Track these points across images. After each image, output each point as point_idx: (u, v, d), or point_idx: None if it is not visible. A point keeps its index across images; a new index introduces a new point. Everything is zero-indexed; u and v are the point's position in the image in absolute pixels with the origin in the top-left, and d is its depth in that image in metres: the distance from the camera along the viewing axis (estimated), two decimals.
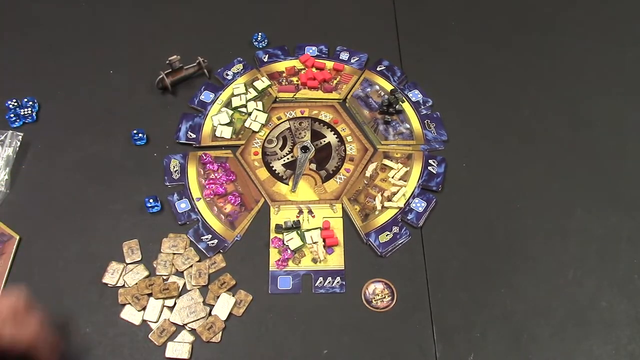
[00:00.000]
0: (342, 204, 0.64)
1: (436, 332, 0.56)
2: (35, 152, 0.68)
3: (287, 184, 0.66)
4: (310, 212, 0.64)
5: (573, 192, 0.65)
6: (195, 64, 0.73)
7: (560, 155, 0.68)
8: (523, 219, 0.63)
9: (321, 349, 0.56)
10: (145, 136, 0.63)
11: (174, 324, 0.57)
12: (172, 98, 0.72)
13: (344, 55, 0.76)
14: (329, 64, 0.75)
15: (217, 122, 0.70)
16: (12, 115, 0.70)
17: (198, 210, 0.63)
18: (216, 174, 0.66)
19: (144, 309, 0.57)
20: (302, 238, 0.62)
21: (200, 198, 0.64)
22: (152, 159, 0.67)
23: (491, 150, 0.68)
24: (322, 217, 0.63)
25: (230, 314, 0.57)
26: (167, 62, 0.70)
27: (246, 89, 0.73)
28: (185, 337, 0.56)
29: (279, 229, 0.62)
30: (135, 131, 0.63)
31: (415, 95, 0.72)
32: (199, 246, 0.61)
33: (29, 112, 0.70)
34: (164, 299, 0.58)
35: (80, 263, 0.60)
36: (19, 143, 0.67)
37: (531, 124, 0.70)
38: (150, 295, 0.58)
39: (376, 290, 0.59)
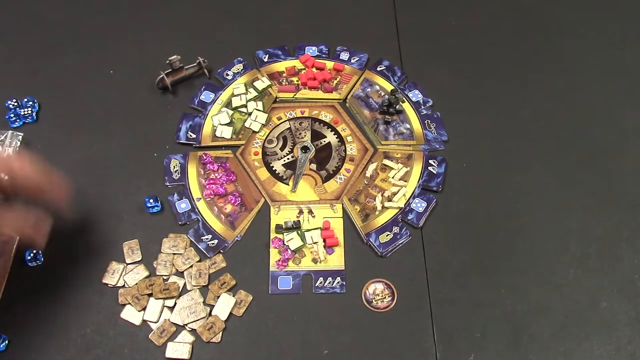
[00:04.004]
0: (343, 204, 0.64)
1: (436, 332, 0.56)
2: (35, 152, 0.68)
3: (287, 184, 0.66)
4: (310, 212, 0.64)
5: (573, 192, 0.65)
6: (195, 64, 0.73)
7: (560, 155, 0.68)
8: (523, 219, 0.63)
9: (321, 349, 0.56)
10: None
11: (174, 324, 0.57)
12: (172, 98, 0.72)
13: (344, 55, 0.76)
14: (329, 64, 0.75)
15: (217, 122, 0.70)
16: (12, 115, 0.70)
17: (198, 211, 0.63)
18: (216, 174, 0.66)
19: (144, 309, 0.57)
20: (302, 238, 0.62)
21: (201, 198, 0.64)
22: (152, 159, 0.67)
23: (491, 150, 0.68)
24: (322, 217, 0.63)
25: (231, 314, 0.57)
26: (167, 62, 0.70)
27: (246, 89, 0.73)
28: (186, 337, 0.56)
29: (279, 229, 0.62)
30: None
31: (415, 95, 0.72)
32: (199, 246, 0.61)
33: (29, 112, 0.70)
34: (164, 299, 0.58)
35: (80, 263, 0.60)
36: (19, 143, 0.67)
37: (531, 124, 0.70)
38: (150, 295, 0.58)
39: (376, 291, 0.59)
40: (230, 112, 0.71)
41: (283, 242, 0.61)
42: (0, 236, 0.45)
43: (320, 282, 0.59)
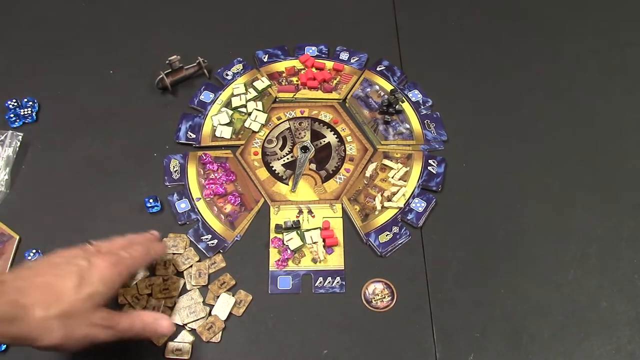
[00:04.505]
0: (342, 204, 0.64)
1: (436, 332, 0.56)
2: (35, 152, 0.68)
3: (287, 184, 0.66)
4: (310, 212, 0.64)
5: (573, 192, 0.65)
6: (195, 64, 0.73)
7: (560, 155, 0.68)
8: (523, 219, 0.63)
9: (321, 349, 0.56)
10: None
11: (174, 324, 0.57)
12: (172, 98, 0.72)
13: (344, 55, 0.76)
14: (329, 64, 0.75)
15: (217, 122, 0.70)
16: (12, 115, 0.70)
17: (198, 210, 0.63)
18: (216, 174, 0.66)
19: (144, 309, 0.57)
20: (302, 238, 0.62)
21: (200, 198, 0.64)
22: (152, 159, 0.67)
23: (491, 150, 0.68)
24: (322, 217, 0.63)
25: (230, 314, 0.57)
26: (167, 62, 0.70)
27: (246, 89, 0.73)
28: (185, 337, 0.56)
29: (279, 229, 0.62)
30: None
31: (415, 95, 0.72)
32: (199, 246, 0.61)
33: (29, 112, 0.70)
34: (164, 299, 0.58)
35: None
36: (19, 143, 0.67)
37: (531, 124, 0.70)
38: (150, 295, 0.58)
39: (376, 290, 0.59)
40: (230, 112, 0.71)
41: (283, 242, 0.61)
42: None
43: (320, 282, 0.59)
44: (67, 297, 0.44)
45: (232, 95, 0.72)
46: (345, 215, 0.63)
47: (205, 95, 0.72)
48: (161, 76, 0.71)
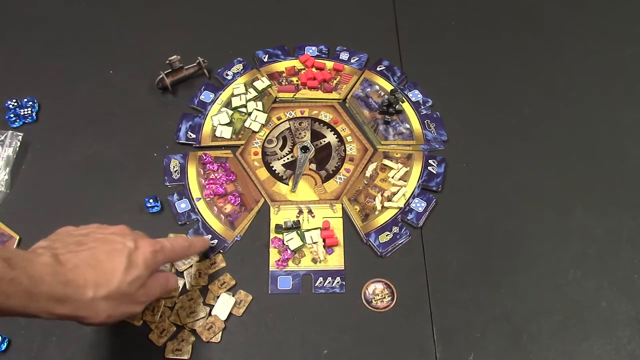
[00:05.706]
0: (342, 204, 0.64)
1: (436, 332, 0.56)
2: (35, 152, 0.68)
3: (287, 184, 0.66)
4: (310, 212, 0.64)
5: (573, 192, 0.65)
6: (195, 64, 0.73)
7: (560, 155, 0.68)
8: (523, 219, 0.63)
9: (321, 349, 0.56)
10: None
11: (174, 324, 0.57)
12: (172, 98, 0.72)
13: (344, 55, 0.76)
14: (329, 64, 0.75)
15: (217, 122, 0.70)
16: (12, 115, 0.70)
17: (198, 210, 0.63)
18: (216, 174, 0.66)
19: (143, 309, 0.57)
20: (302, 238, 0.62)
21: (200, 198, 0.64)
22: (152, 159, 0.67)
23: (491, 150, 0.68)
24: (322, 217, 0.63)
25: (230, 314, 0.57)
26: (167, 62, 0.70)
27: (246, 89, 0.73)
28: (185, 337, 0.56)
29: (279, 229, 0.62)
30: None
31: (415, 95, 0.72)
32: None
33: (29, 112, 0.70)
34: (164, 299, 0.58)
35: None
36: (19, 143, 0.67)
37: (531, 124, 0.70)
38: None
39: (376, 290, 0.59)
40: (230, 112, 0.71)
41: (283, 242, 0.61)
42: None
43: (320, 282, 0.59)
44: (116, 278, 0.45)
45: (232, 95, 0.72)
46: (346, 215, 0.64)
47: (205, 95, 0.72)
48: (161, 76, 0.71)
